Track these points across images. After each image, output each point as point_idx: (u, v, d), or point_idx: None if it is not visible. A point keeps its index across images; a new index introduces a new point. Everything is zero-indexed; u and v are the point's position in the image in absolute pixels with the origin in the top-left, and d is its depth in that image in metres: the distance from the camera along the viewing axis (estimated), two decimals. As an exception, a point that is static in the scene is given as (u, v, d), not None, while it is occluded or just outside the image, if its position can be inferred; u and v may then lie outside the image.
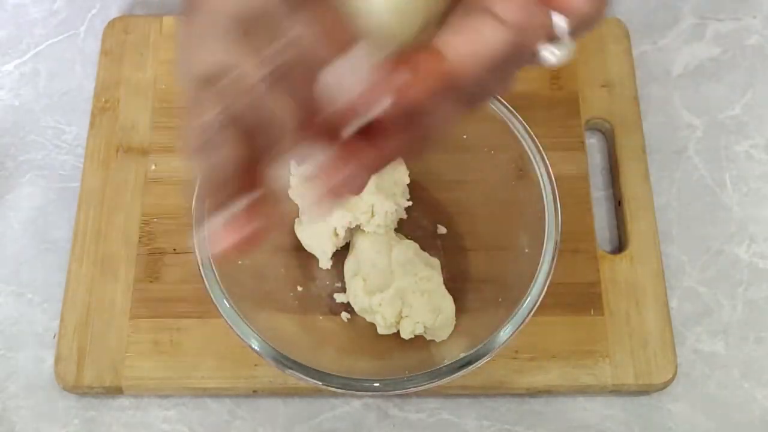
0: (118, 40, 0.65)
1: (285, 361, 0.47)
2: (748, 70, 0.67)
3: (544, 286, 0.49)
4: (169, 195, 0.60)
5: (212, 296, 0.49)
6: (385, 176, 0.55)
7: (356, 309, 0.54)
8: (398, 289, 0.53)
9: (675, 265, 0.59)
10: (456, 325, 0.54)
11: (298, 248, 0.56)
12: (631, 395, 0.56)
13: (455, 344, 0.52)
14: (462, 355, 0.48)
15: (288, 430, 0.54)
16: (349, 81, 0.32)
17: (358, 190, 0.35)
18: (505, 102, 0.52)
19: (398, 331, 0.53)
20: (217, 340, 0.55)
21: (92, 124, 0.62)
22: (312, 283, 0.56)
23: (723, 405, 0.56)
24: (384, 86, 0.33)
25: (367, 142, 0.34)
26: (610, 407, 0.55)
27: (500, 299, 0.51)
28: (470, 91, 0.35)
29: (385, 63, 0.33)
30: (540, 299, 0.48)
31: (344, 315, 0.55)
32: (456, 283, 0.55)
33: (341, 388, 0.48)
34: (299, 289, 0.56)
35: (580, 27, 0.35)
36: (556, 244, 0.50)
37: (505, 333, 0.48)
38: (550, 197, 0.51)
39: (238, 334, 0.48)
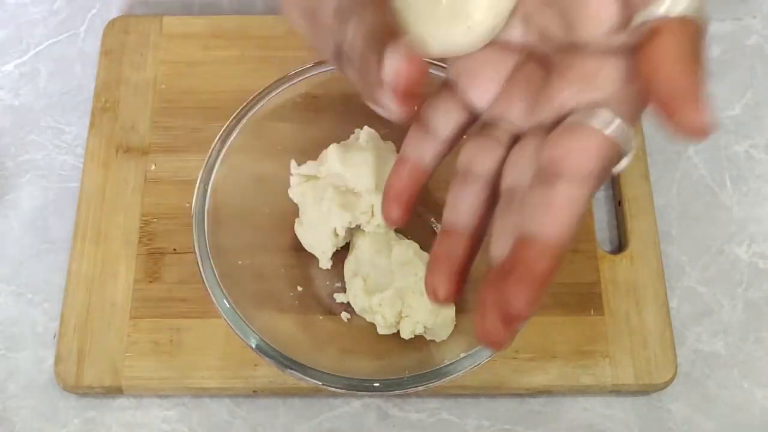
0: (118, 40, 0.65)
1: (285, 361, 0.47)
2: (748, 70, 0.67)
3: (544, 286, 0.49)
4: (169, 195, 0.60)
5: (212, 296, 0.49)
6: (385, 176, 0.55)
7: (356, 309, 0.54)
8: (398, 289, 0.53)
9: (675, 265, 0.59)
10: (456, 325, 0.54)
11: (298, 248, 0.56)
12: (631, 395, 0.56)
13: (455, 344, 0.52)
14: (462, 355, 0.48)
15: (288, 430, 0.54)
16: None
17: None
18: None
19: (398, 331, 0.53)
20: (217, 340, 0.55)
21: (92, 124, 0.62)
22: (312, 283, 0.56)
23: (723, 405, 0.56)
24: None
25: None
26: (610, 407, 0.55)
27: (500, 299, 0.51)
28: None
29: None
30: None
31: (344, 315, 0.55)
32: (456, 283, 0.55)
33: (341, 388, 0.48)
34: (299, 289, 0.56)
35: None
36: (556, 244, 0.49)
37: (505, 333, 0.48)
38: (550, 197, 0.51)
39: (238, 334, 0.48)
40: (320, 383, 0.47)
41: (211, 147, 0.52)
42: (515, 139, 0.39)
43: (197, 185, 0.51)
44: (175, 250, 0.58)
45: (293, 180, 0.55)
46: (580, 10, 0.36)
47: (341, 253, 0.56)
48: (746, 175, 0.63)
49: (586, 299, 0.57)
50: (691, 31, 0.33)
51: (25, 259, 0.59)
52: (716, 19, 0.68)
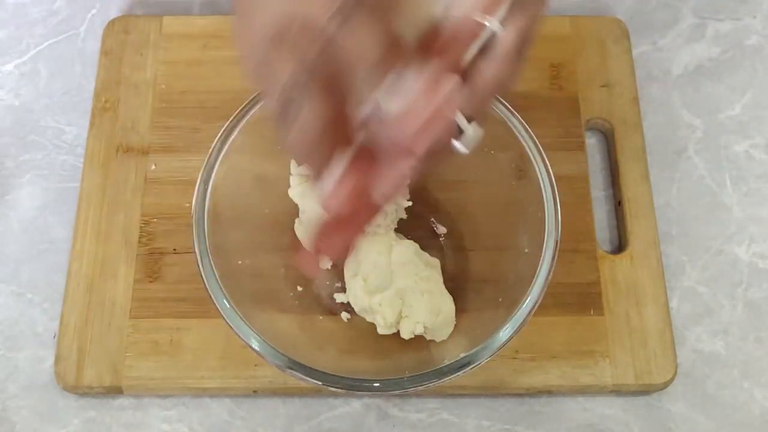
0: (118, 40, 0.65)
1: (285, 361, 0.47)
2: (748, 70, 0.67)
3: (544, 286, 0.49)
4: (169, 195, 0.60)
5: (212, 296, 0.49)
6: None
7: (356, 309, 0.54)
8: (398, 289, 0.53)
9: (675, 265, 0.59)
10: (456, 325, 0.54)
11: (298, 248, 0.56)
12: (631, 395, 0.56)
13: (455, 344, 0.52)
14: (462, 355, 0.48)
15: (288, 430, 0.54)
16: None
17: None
18: (505, 102, 0.52)
19: (398, 331, 0.53)
20: (217, 340, 0.55)
21: (92, 124, 0.62)
22: (312, 283, 0.56)
23: (723, 405, 0.56)
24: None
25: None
26: (610, 407, 0.55)
27: (500, 299, 0.51)
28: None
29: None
30: (540, 299, 0.49)
31: (344, 315, 0.55)
32: (456, 283, 0.55)
33: (341, 388, 0.48)
34: (299, 289, 0.56)
35: (481, 110, 0.36)
36: (556, 244, 0.50)
37: (505, 333, 0.48)
38: (550, 197, 0.51)
39: (238, 334, 0.48)
40: (320, 383, 0.47)
41: (211, 147, 0.52)
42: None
43: (197, 185, 0.51)
44: (175, 250, 0.58)
45: (293, 180, 0.55)
46: None
47: (341, 253, 0.56)
48: (746, 175, 0.63)
49: (586, 299, 0.57)
50: None
51: (25, 259, 0.59)
52: (716, 19, 0.68)
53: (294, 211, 0.56)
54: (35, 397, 0.55)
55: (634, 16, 0.68)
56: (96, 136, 0.62)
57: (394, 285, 0.53)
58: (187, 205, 0.52)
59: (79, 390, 0.55)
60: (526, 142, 0.52)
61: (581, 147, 0.61)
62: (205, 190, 0.51)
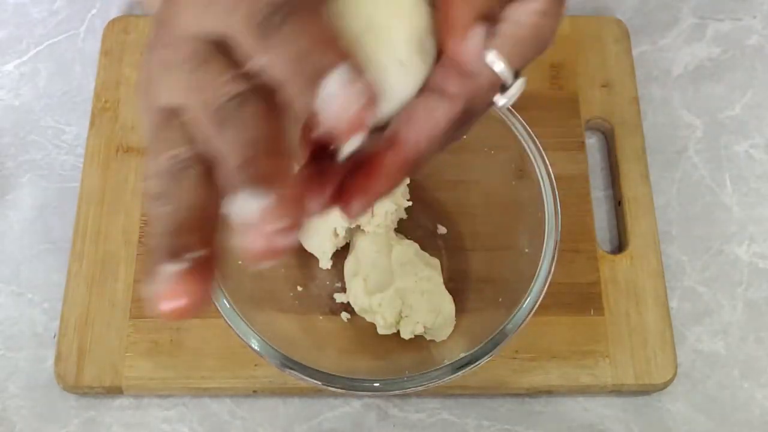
0: (118, 40, 0.65)
1: (285, 361, 0.47)
2: (748, 70, 0.67)
3: (544, 286, 0.49)
4: (169, 195, 0.60)
5: (212, 296, 0.49)
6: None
7: (356, 309, 0.54)
8: (398, 289, 0.53)
9: (675, 265, 0.59)
10: (456, 325, 0.54)
11: (298, 248, 0.56)
12: (631, 395, 0.56)
13: (455, 344, 0.52)
14: (462, 355, 0.48)
15: (288, 430, 0.54)
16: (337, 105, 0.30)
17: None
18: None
19: (398, 331, 0.53)
20: (217, 340, 0.55)
21: (92, 124, 0.62)
22: (312, 283, 0.56)
23: (723, 405, 0.56)
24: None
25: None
26: (610, 407, 0.55)
27: (500, 299, 0.51)
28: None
29: (347, 163, 0.34)
30: (540, 299, 0.48)
31: (344, 315, 0.55)
32: (456, 283, 0.55)
33: (341, 388, 0.48)
34: (299, 289, 0.56)
35: (524, 64, 0.35)
36: (556, 244, 0.50)
37: (505, 333, 0.48)
38: (550, 197, 0.51)
39: (238, 334, 0.48)
40: (320, 383, 0.47)
41: (211, 147, 0.52)
42: None
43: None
44: (175, 250, 0.58)
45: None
46: None
47: (341, 253, 0.56)
48: (746, 175, 0.63)
49: (586, 299, 0.57)
50: None
51: (25, 259, 0.59)
52: (716, 19, 0.68)
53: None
54: (35, 397, 0.55)
55: (634, 16, 0.68)
56: (96, 136, 0.62)
57: (394, 285, 0.53)
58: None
59: (79, 390, 0.55)
60: (526, 142, 0.52)
61: (581, 147, 0.61)
62: (205, 190, 0.51)
